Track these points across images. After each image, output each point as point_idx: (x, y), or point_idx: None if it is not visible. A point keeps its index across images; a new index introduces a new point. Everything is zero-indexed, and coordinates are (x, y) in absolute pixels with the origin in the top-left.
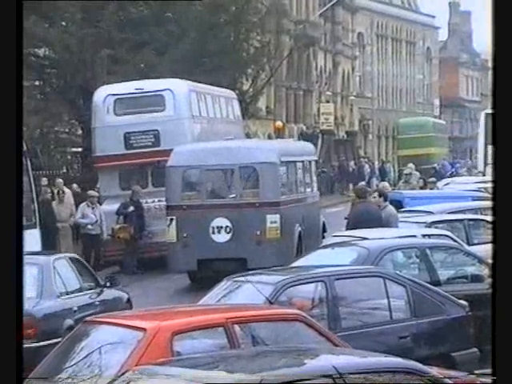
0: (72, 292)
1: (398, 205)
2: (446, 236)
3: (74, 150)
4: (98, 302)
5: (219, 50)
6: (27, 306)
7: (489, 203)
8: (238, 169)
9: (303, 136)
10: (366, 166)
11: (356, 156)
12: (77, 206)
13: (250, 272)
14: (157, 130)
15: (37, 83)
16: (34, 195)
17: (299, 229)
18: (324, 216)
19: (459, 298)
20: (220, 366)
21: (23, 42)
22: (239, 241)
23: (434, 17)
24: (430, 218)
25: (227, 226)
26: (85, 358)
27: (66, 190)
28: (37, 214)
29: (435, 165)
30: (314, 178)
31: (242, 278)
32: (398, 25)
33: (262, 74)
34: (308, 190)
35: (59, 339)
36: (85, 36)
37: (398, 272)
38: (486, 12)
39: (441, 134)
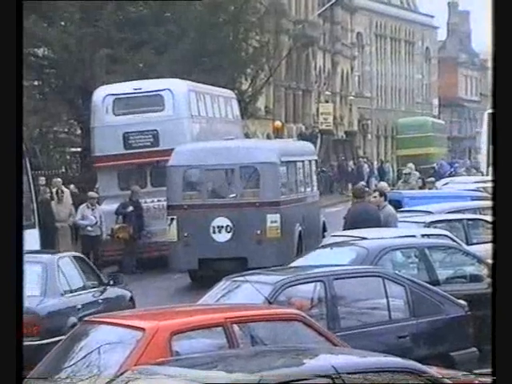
0: (76, 290)
1: (397, 204)
2: (445, 236)
3: (73, 149)
4: (101, 300)
5: (218, 50)
6: (31, 304)
7: (488, 203)
8: (239, 168)
9: (302, 136)
10: (365, 165)
11: (355, 156)
12: (74, 205)
13: (249, 272)
14: (156, 130)
15: (36, 83)
16: (33, 195)
17: (299, 228)
18: (323, 216)
19: (458, 298)
20: (219, 365)
21: (22, 41)
22: (240, 240)
23: (432, 17)
24: (429, 218)
25: (228, 226)
26: (84, 357)
27: (65, 189)
28: (36, 214)
29: (434, 165)
30: (314, 178)
31: (241, 278)
32: (397, 25)
33: (261, 74)
34: (308, 189)
35: (63, 337)
36: (84, 36)
37: (397, 272)
38: (485, 12)
39: (440, 134)
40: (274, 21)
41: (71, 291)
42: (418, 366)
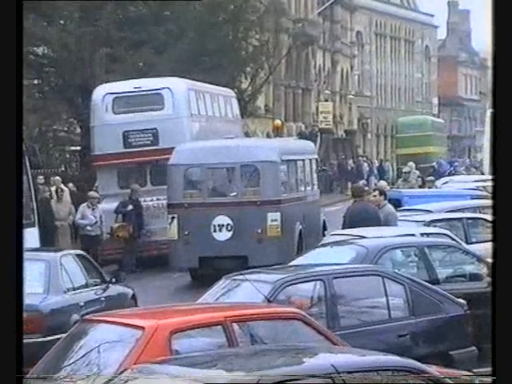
0: (78, 288)
1: (397, 203)
2: (445, 235)
3: (73, 148)
4: (103, 298)
5: (218, 49)
6: (35, 301)
7: (487, 202)
8: (239, 167)
9: (302, 135)
10: (365, 164)
11: (355, 155)
12: (74, 204)
13: (249, 270)
14: (155, 129)
15: (35, 82)
16: (33, 194)
17: (300, 227)
18: (324, 214)
19: (458, 297)
20: (218, 364)
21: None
22: (240, 239)
23: (432, 15)
24: (428, 217)
25: (228, 224)
26: (83, 356)
27: (64, 188)
28: (35, 213)
29: (433, 163)
30: (315, 177)
31: (241, 277)
32: (397, 23)
33: (260, 73)
34: (308, 188)
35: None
36: (83, 35)
37: (396, 271)
38: (485, 11)
39: (439, 133)
40: (273, 19)
41: (74, 289)
42: (418, 364)
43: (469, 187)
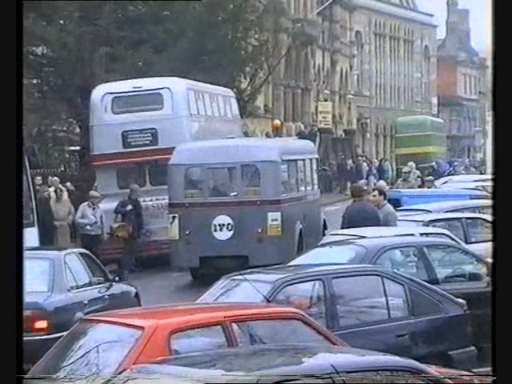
0: (82, 286)
1: (396, 203)
2: (444, 234)
3: (72, 148)
4: (107, 296)
5: (217, 49)
6: (39, 299)
7: (487, 201)
8: (240, 167)
9: (301, 134)
10: (364, 164)
11: (354, 154)
12: (73, 204)
13: (248, 270)
14: (155, 129)
15: (35, 81)
16: (32, 193)
17: (300, 226)
18: (323, 214)
19: (457, 297)
20: (218, 364)
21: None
22: (241, 238)
23: (432, 15)
24: (427, 217)
25: (229, 224)
26: (83, 356)
27: (62, 188)
28: (35, 213)
29: (433, 163)
30: (315, 176)
31: (240, 277)
32: (396, 23)
33: (260, 73)
34: (309, 187)
35: None
36: (83, 34)
37: (395, 270)
38: (484, 10)
39: (439, 133)
40: (272, 19)
41: (78, 287)
42: (417, 364)
43: (468, 187)
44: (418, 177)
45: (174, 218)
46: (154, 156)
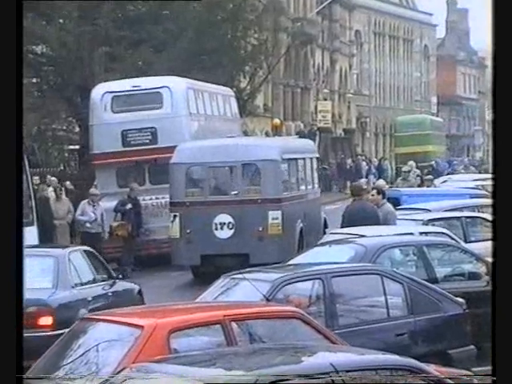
0: (86, 283)
1: (396, 202)
2: (444, 233)
3: (72, 147)
4: (110, 293)
5: (217, 48)
6: (44, 295)
7: (486, 201)
8: (241, 166)
9: (300, 134)
10: (364, 163)
11: (353, 154)
12: (72, 203)
13: (247, 269)
14: (154, 128)
15: (34, 80)
16: (32, 193)
17: (301, 225)
18: (324, 212)
19: (456, 296)
20: (217, 363)
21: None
22: (241, 237)
23: (431, 14)
24: (427, 216)
25: (230, 222)
26: (82, 355)
27: (63, 187)
28: (34, 212)
29: (432, 162)
30: (315, 175)
31: (240, 276)
32: (396, 22)
33: (259, 72)
34: (309, 186)
35: None
36: (82, 33)
37: (395, 269)
38: (484, 9)
39: (438, 132)
40: (272, 19)
41: (82, 284)
42: (417, 363)
43: (467, 186)
44: (418, 176)
45: (175, 216)
46: (153, 155)
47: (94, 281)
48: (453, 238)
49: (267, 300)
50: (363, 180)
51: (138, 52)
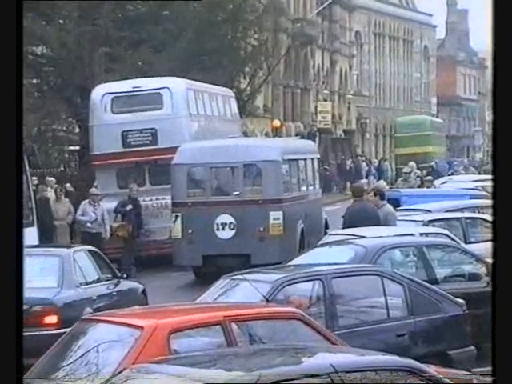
0: (91, 282)
1: (396, 203)
2: (444, 234)
3: (72, 148)
4: (115, 293)
5: (217, 49)
6: (49, 295)
7: (486, 201)
8: (242, 166)
9: (300, 134)
10: (364, 164)
11: (353, 154)
12: (72, 204)
13: (248, 270)
14: (154, 129)
15: (34, 81)
16: (31, 193)
17: (302, 225)
18: (325, 213)
19: (456, 297)
20: (217, 364)
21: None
22: (243, 237)
23: (431, 15)
24: (427, 217)
25: (231, 223)
26: (82, 356)
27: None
28: (34, 213)
29: (432, 163)
30: (316, 176)
31: (240, 277)
32: (396, 23)
33: (259, 73)
34: (310, 187)
35: None
36: (82, 34)
37: (395, 270)
38: (484, 10)
39: (438, 133)
40: (272, 19)
41: (86, 283)
42: (417, 364)
43: (468, 187)
44: (418, 177)
45: (176, 217)
46: (153, 156)
47: (99, 280)
48: (453, 239)
49: (267, 301)
50: (363, 181)
51: (137, 52)
